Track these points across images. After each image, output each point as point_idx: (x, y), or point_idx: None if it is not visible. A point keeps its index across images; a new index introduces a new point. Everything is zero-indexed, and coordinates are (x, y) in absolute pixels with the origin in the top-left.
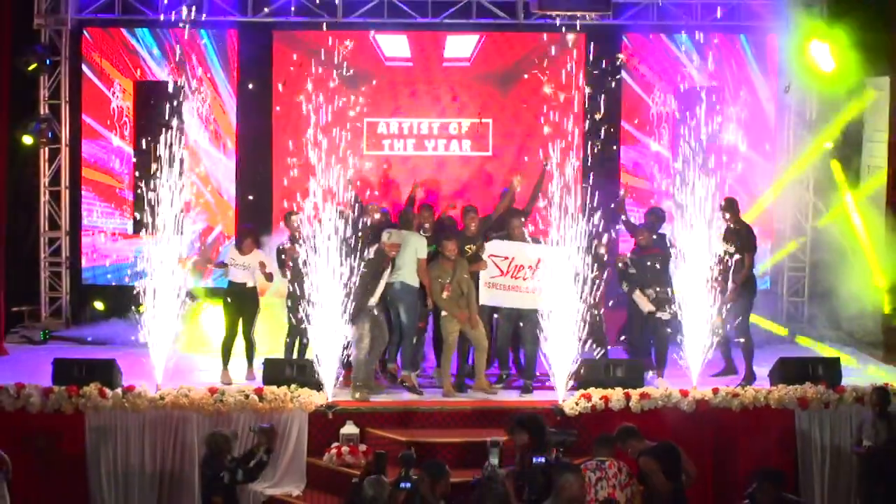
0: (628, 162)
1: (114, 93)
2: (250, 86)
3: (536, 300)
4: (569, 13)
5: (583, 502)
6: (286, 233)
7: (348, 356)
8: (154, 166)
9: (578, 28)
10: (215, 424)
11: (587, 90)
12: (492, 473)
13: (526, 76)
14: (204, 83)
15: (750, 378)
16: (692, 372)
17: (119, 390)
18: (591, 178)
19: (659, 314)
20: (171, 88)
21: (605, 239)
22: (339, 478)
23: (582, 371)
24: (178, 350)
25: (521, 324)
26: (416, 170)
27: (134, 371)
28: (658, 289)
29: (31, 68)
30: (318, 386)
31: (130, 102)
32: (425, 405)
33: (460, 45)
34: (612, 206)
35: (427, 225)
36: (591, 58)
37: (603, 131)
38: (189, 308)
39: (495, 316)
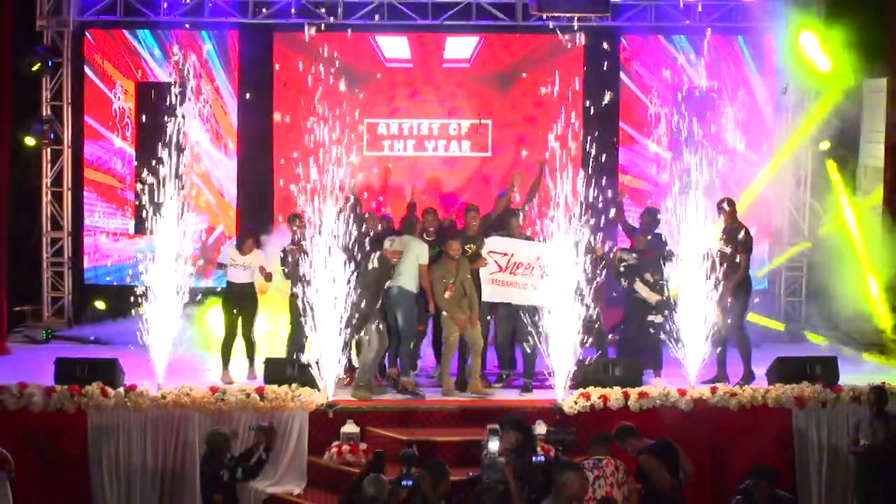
0: (626, 162)
1: (115, 94)
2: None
3: (536, 296)
4: (567, 15)
5: (583, 500)
6: (289, 234)
7: (349, 360)
8: (155, 167)
9: (577, 30)
10: (216, 423)
11: (585, 91)
12: (492, 462)
13: (525, 77)
14: (205, 84)
15: (749, 377)
16: (690, 371)
17: (121, 389)
18: (590, 178)
19: (651, 317)
20: (172, 90)
21: (600, 238)
22: (340, 476)
23: (580, 370)
24: (185, 348)
25: (520, 323)
26: (415, 170)
27: (136, 370)
28: (655, 276)
29: (34, 69)
30: (318, 385)
31: (132, 103)
32: (425, 404)
33: (460, 47)
34: (611, 207)
35: (431, 228)
36: (589, 59)
37: (601, 132)
38: (195, 307)
39: (489, 318)
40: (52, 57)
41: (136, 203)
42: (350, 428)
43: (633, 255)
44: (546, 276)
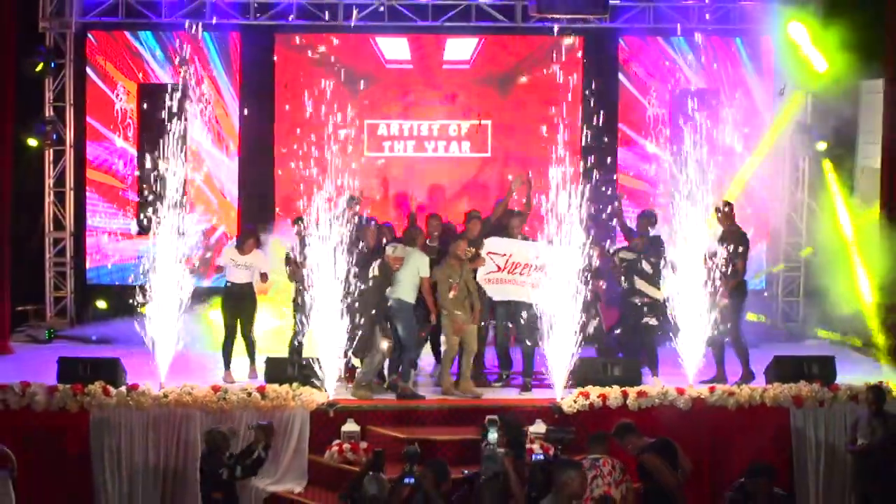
0: (625, 163)
1: (117, 95)
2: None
3: (534, 294)
4: (567, 16)
5: (582, 499)
6: (291, 235)
7: (349, 363)
8: (157, 167)
9: (576, 31)
10: (217, 422)
11: (584, 92)
12: (491, 453)
13: (524, 79)
14: (206, 86)
15: (748, 377)
16: (688, 370)
17: (123, 388)
18: (588, 179)
19: (646, 319)
20: (174, 91)
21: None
22: (341, 475)
23: (579, 369)
24: (187, 347)
25: (518, 322)
26: (416, 171)
27: (138, 370)
28: (653, 259)
29: (37, 70)
30: (319, 384)
31: (134, 104)
32: (425, 403)
33: (460, 48)
34: (609, 210)
35: (436, 233)
36: (588, 60)
37: (600, 133)
38: (199, 306)
39: (490, 321)
40: (54, 58)
41: (138, 203)
42: (350, 427)
43: (632, 253)
44: (544, 275)
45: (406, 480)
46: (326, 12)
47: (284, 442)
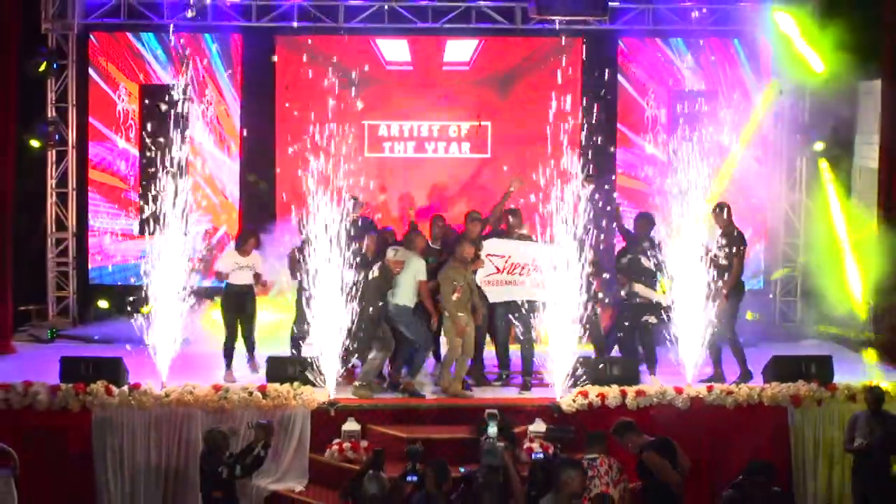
0: (624, 163)
1: (119, 96)
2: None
3: (533, 292)
4: (566, 18)
5: (582, 498)
6: (292, 235)
7: (349, 362)
8: (159, 168)
9: (575, 33)
10: (218, 421)
11: (583, 93)
12: (490, 447)
13: (523, 79)
14: (208, 87)
15: (746, 376)
16: (686, 370)
17: (125, 388)
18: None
19: (646, 318)
20: (175, 92)
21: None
22: (341, 473)
23: (579, 369)
24: (189, 346)
25: (518, 322)
26: (415, 171)
27: (140, 369)
28: (654, 262)
29: (40, 69)
30: (320, 384)
31: (136, 105)
32: (426, 402)
33: (460, 50)
34: (610, 209)
35: (439, 235)
36: (587, 61)
37: (599, 134)
38: (203, 305)
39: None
40: (56, 59)
41: (140, 204)
42: (351, 426)
43: (628, 256)
44: (542, 275)
45: (409, 479)
46: (327, 14)
47: (285, 441)
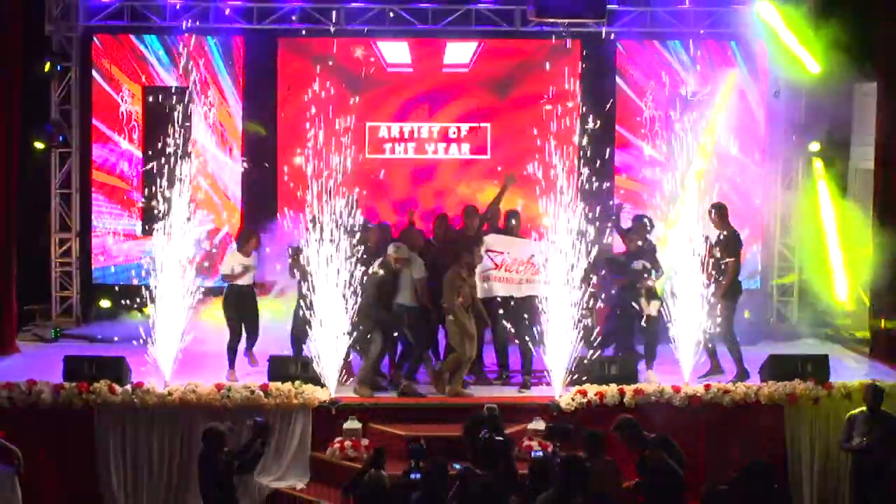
0: (622, 165)
1: (122, 97)
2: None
3: (531, 289)
4: (565, 21)
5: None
6: (293, 235)
7: (348, 355)
8: (162, 169)
9: (574, 35)
10: (219, 420)
11: (582, 95)
12: (489, 442)
13: (523, 81)
14: (210, 88)
15: (743, 375)
16: (684, 368)
17: (128, 386)
18: (586, 180)
19: (648, 310)
20: (178, 94)
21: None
22: (342, 471)
23: (577, 368)
24: (192, 345)
25: (518, 322)
26: (415, 171)
27: (142, 368)
28: (646, 262)
29: (46, 69)
30: (321, 382)
31: (139, 107)
32: (426, 401)
33: (459, 52)
34: (610, 212)
35: (442, 233)
36: (585, 64)
37: (597, 135)
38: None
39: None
40: (60, 61)
41: (143, 205)
42: (352, 424)
43: (623, 257)
44: (538, 273)
45: (412, 476)
46: (329, 16)
47: (287, 439)
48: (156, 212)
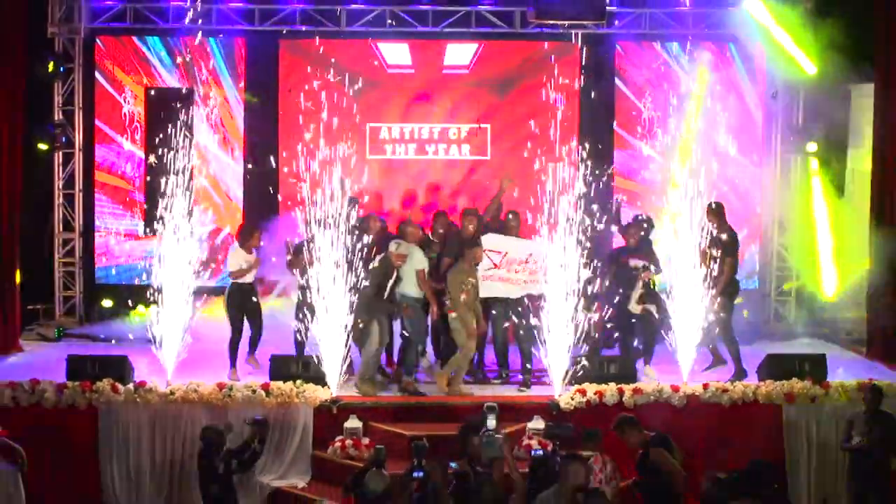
0: (621, 165)
1: (125, 98)
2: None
3: (529, 289)
4: (564, 22)
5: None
6: (296, 234)
7: (348, 354)
8: (164, 170)
9: (573, 37)
10: (220, 418)
11: (581, 96)
12: (489, 439)
13: (522, 82)
14: (212, 90)
15: (741, 374)
16: (683, 368)
17: (131, 386)
18: (585, 180)
19: (647, 307)
20: (180, 95)
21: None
22: (344, 470)
23: (577, 368)
24: (194, 344)
25: (517, 321)
26: (415, 172)
27: (145, 367)
28: (645, 262)
29: (49, 69)
30: (322, 381)
31: (142, 108)
32: (427, 400)
33: (460, 53)
34: (611, 204)
35: (441, 231)
36: (584, 65)
37: (596, 136)
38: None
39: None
40: (63, 62)
41: (145, 205)
42: (353, 423)
43: (620, 253)
44: (536, 272)
45: (415, 475)
46: (330, 18)
47: (288, 438)
48: (158, 212)
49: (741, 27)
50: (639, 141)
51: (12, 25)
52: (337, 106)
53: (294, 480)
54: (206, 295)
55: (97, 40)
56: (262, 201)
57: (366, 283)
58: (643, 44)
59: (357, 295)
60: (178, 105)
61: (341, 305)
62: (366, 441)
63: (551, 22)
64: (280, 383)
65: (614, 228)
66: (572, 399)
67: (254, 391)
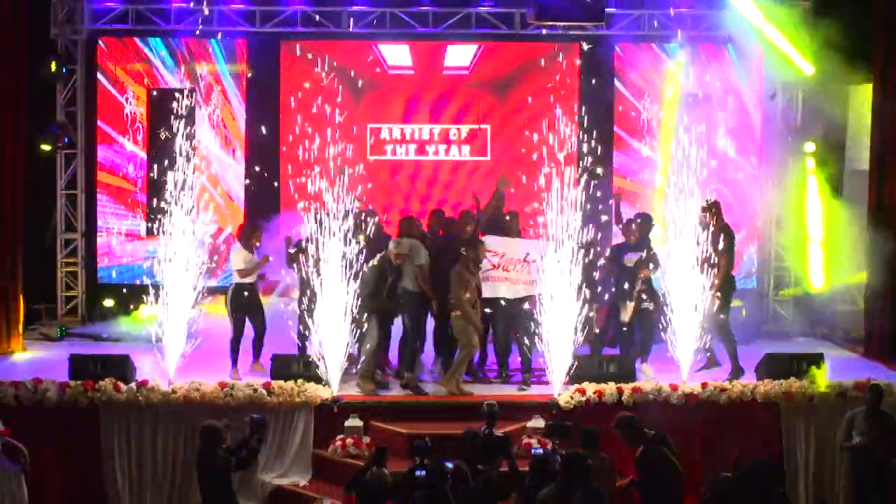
0: (620, 166)
1: (127, 99)
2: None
3: (528, 289)
4: (564, 24)
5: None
6: (297, 234)
7: (350, 354)
8: (166, 170)
9: (573, 38)
10: (220, 417)
11: (581, 97)
12: (490, 437)
13: (522, 83)
14: (214, 91)
15: (738, 373)
16: (682, 367)
17: (133, 385)
18: (584, 182)
19: (645, 305)
20: (182, 96)
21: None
22: (344, 468)
23: (576, 367)
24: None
25: (518, 321)
26: (415, 172)
27: (147, 366)
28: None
29: (52, 70)
30: (323, 380)
31: (143, 109)
32: (427, 399)
33: (460, 54)
34: (611, 202)
35: (437, 229)
36: (584, 66)
37: (596, 137)
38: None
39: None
40: (65, 64)
41: (147, 205)
42: (354, 422)
43: (618, 249)
44: (534, 271)
45: (418, 473)
46: (330, 19)
47: (290, 437)
48: (160, 213)
49: (738, 28)
50: (637, 141)
51: (14, 27)
52: (337, 107)
53: (295, 479)
54: (207, 294)
55: (99, 41)
56: (264, 202)
57: (365, 280)
58: (642, 45)
59: (357, 293)
60: (180, 106)
61: (342, 303)
62: (366, 440)
63: (551, 23)
64: (281, 382)
65: (615, 228)
66: (572, 398)
67: (255, 390)
